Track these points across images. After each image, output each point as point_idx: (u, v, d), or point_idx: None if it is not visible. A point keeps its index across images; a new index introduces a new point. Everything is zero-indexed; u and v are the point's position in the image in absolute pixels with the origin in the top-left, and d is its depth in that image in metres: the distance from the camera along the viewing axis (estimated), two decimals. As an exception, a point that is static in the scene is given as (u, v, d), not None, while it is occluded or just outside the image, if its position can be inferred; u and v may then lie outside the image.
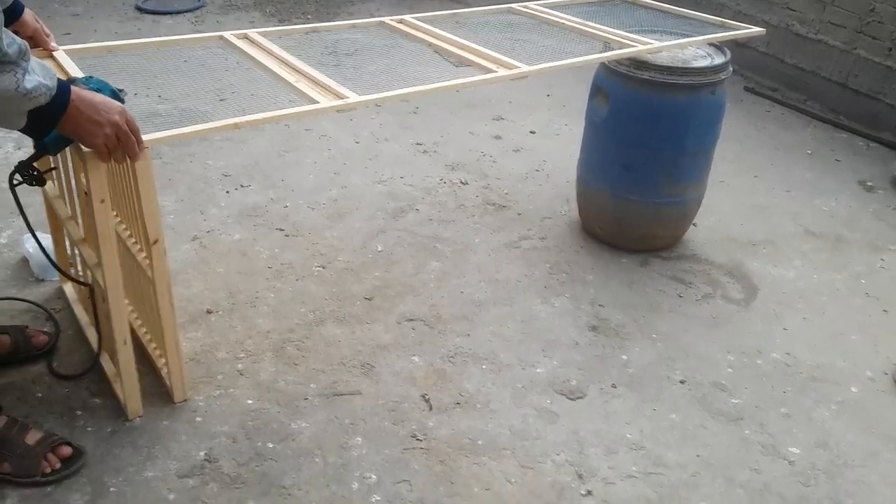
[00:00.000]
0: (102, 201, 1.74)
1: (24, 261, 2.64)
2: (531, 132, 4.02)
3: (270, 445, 2.01)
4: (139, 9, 5.48)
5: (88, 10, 5.47)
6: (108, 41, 2.40)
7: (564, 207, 3.28)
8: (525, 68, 2.37)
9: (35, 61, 1.50)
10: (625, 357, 2.44)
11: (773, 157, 3.94)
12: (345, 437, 2.06)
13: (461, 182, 3.44)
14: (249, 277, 2.68)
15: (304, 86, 2.09)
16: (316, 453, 2.00)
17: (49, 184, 2.32)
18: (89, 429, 2.01)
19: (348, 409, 2.15)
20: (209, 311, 2.49)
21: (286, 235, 2.95)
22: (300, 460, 1.98)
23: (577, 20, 2.92)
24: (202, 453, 1.97)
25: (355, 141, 3.76)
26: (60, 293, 2.51)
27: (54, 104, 1.52)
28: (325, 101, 2.01)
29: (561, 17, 2.95)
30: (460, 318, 2.57)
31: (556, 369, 2.36)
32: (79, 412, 2.06)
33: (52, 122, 1.55)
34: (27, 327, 2.26)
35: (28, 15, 2.01)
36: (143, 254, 1.94)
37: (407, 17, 2.76)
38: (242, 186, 3.27)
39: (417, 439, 2.07)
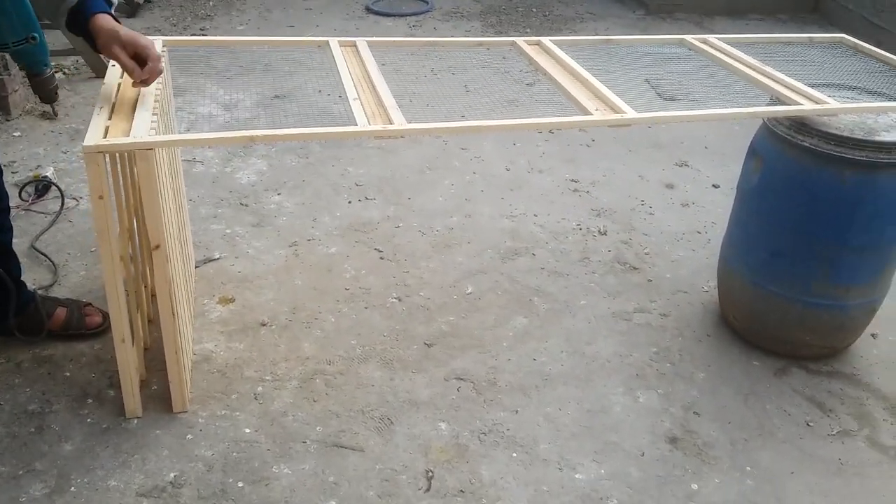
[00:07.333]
0: (100, 197, 1.70)
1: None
2: (714, 186, 3.47)
3: (240, 485, 1.86)
4: (368, 9, 5.64)
5: (322, 5, 5.74)
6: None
7: (710, 283, 2.75)
8: (631, 115, 1.99)
9: None
10: (695, 486, 1.96)
11: None
12: (319, 497, 1.85)
13: (599, 231, 3.04)
14: (321, 295, 2.56)
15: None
16: (280, 508, 1.82)
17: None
18: (89, 420, 2.01)
19: (340, 465, 1.94)
20: (263, 324, 2.40)
21: (381, 258, 2.79)
22: (259, 511, 1.80)
23: (756, 62, 2.42)
24: (172, 475, 1.87)
25: (506, 168, 3.50)
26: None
27: None
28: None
29: (735, 57, 2.47)
30: (517, 389, 2.23)
31: (599, 481, 1.95)
32: (90, 400, 2.07)
33: None
34: (87, 305, 2.32)
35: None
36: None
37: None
38: (366, 199, 3.16)
39: (395, 523, 1.81)
